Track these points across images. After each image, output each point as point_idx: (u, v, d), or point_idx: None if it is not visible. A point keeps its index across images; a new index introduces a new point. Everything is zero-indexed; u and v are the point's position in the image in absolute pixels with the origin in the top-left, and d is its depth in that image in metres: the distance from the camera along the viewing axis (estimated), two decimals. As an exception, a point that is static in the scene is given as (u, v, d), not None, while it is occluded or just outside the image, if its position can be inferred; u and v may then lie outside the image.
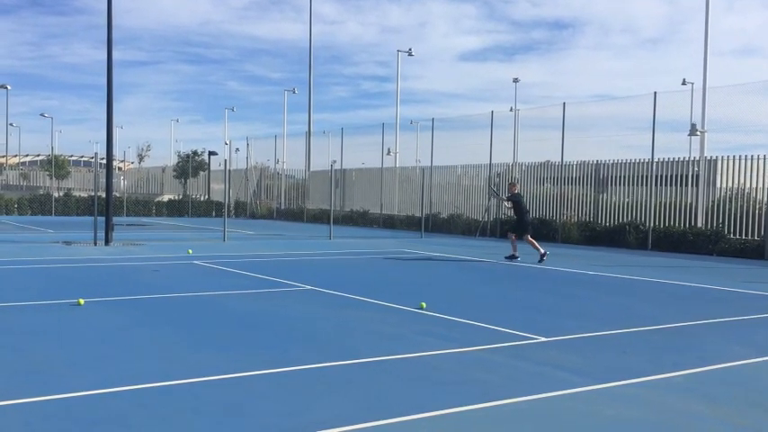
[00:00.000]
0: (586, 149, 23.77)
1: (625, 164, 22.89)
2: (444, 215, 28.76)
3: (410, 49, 42.67)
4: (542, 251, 15.87)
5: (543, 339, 7.23)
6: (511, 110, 31.26)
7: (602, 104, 24.54)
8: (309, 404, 4.90)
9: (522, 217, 16.61)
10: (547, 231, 23.96)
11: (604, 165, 23.59)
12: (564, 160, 24.13)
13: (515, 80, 58.65)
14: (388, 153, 34.61)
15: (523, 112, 28.05)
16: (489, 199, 26.70)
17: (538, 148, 26.17)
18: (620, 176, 23.01)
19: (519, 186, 18.29)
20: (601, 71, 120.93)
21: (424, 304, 9.02)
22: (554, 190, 24.77)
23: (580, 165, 24.20)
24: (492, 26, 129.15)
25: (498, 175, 26.85)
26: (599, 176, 23.76)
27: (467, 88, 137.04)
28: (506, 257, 16.20)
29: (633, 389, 5.47)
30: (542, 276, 13.58)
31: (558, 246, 21.89)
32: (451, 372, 5.88)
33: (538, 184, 25.94)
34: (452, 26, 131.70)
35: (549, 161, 25.70)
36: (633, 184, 22.47)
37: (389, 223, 30.98)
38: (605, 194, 23.43)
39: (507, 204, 17.08)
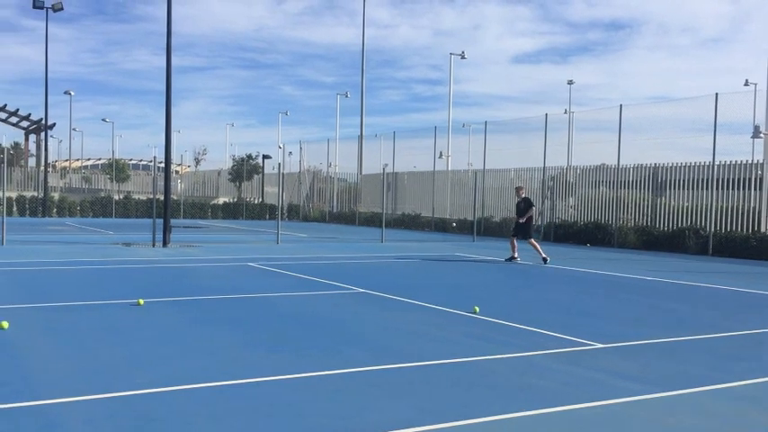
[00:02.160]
0: (643, 152, 23.31)
1: (684, 167, 22.33)
2: (497, 219, 28.53)
3: (463, 52, 42.54)
4: (515, 255, 16.44)
5: (600, 345, 7.10)
6: (565, 112, 30.84)
7: (660, 106, 23.97)
8: (363, 406, 4.91)
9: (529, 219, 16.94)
10: (602, 236, 23.57)
11: (662, 168, 23.06)
12: (620, 163, 23.67)
13: (570, 82, 57.92)
14: (441, 156, 34.54)
15: (578, 114, 27.67)
16: (543, 202, 26.39)
17: (593, 151, 25.78)
18: (679, 180, 22.46)
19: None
20: (659, 72, 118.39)
21: (477, 308, 8.96)
22: (610, 194, 24.32)
23: (637, 168, 23.72)
24: (546, 28, 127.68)
25: (552, 178, 26.51)
26: (657, 180, 23.23)
27: (520, 91, 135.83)
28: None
29: (694, 397, 5.32)
30: (599, 281, 13.35)
31: (615, 250, 21.50)
32: (506, 377, 5.82)
33: (593, 187, 25.52)
34: (506, 28, 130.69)
35: (604, 164, 25.26)
36: (693, 188, 21.90)
37: (441, 226, 30.90)
38: (663, 198, 22.89)
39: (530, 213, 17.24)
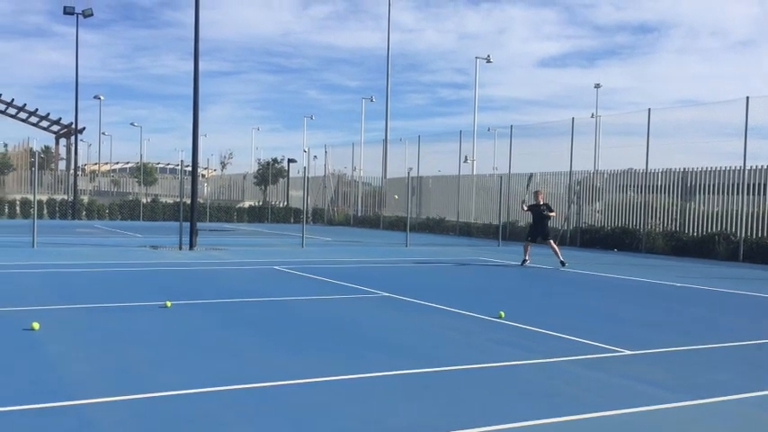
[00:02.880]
0: (672, 157, 23.00)
1: (714, 171, 22.01)
2: (522, 223, 28.36)
3: (488, 56, 42.41)
4: (526, 258, 16.64)
5: (628, 352, 7.02)
6: (592, 116, 30.54)
7: (689, 110, 23.68)
8: (389, 410, 4.90)
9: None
10: (630, 241, 23.33)
11: (692, 172, 22.76)
12: (648, 168, 23.42)
13: (597, 86, 57.47)
14: (466, 160, 34.44)
15: (605, 118, 27.37)
16: (569, 207, 26.19)
17: (620, 155, 25.48)
18: (708, 185, 22.15)
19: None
20: (688, 76, 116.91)
21: (502, 313, 8.91)
22: (638, 198, 24.07)
23: (665, 172, 23.44)
24: (573, 31, 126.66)
25: (579, 183, 26.30)
26: (686, 184, 22.94)
27: (546, 95, 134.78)
28: (561, 266, 16.24)
29: (725, 406, 5.24)
30: (627, 287, 13.20)
31: (643, 256, 21.27)
32: (533, 382, 5.78)
33: (620, 191, 25.27)
34: (532, 32, 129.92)
35: (631, 169, 24.99)
36: (723, 193, 21.57)
37: (466, 231, 30.80)
38: (693, 203, 22.59)
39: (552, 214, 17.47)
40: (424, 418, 4.76)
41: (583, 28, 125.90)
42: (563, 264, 15.98)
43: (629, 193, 24.86)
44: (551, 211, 17.26)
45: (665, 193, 23.44)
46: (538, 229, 16.87)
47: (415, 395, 5.30)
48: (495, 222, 27.32)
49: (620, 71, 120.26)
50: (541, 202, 17.06)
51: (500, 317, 8.79)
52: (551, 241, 16.68)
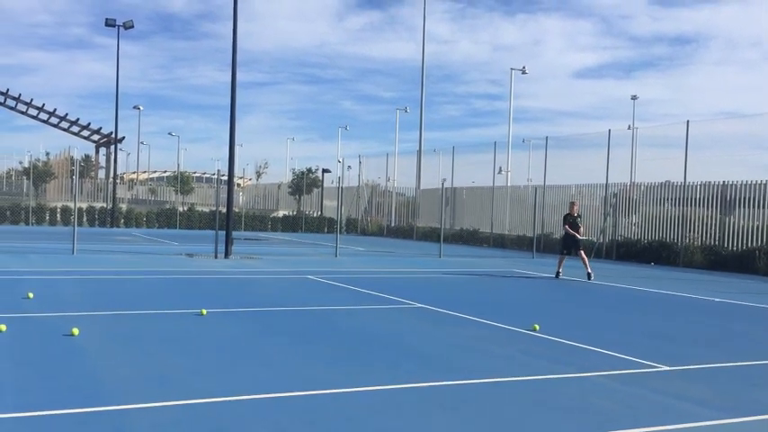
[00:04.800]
0: (711, 169, 22.63)
1: (755, 185, 21.58)
2: (557, 235, 28.10)
3: (524, 67, 42.28)
4: (560, 270, 16.65)
5: (666, 368, 6.91)
6: (629, 128, 30.23)
7: (729, 122, 23.30)
8: (422, 422, 4.89)
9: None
10: (667, 254, 22.98)
11: (732, 186, 22.35)
12: (687, 180, 23.07)
13: (634, 97, 56.88)
14: (500, 172, 34.29)
15: (642, 130, 27.06)
16: (605, 219, 25.90)
17: (658, 168, 25.14)
18: (749, 198, 21.72)
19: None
20: (727, 87, 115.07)
21: (537, 326, 8.83)
22: (675, 211, 23.70)
23: (704, 185, 23.05)
24: (609, 42, 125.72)
25: (615, 195, 26.00)
26: (725, 198, 22.52)
27: (582, 106, 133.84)
28: (588, 278, 16.10)
29: (765, 425, 5.12)
30: (664, 302, 13.00)
31: (680, 270, 20.92)
32: (568, 397, 5.72)
33: (657, 204, 24.92)
34: (567, 43, 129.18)
35: (669, 181, 24.64)
36: (764, 207, 21.14)
37: (500, 243, 30.63)
38: (732, 217, 22.16)
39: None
40: (457, 429, 4.74)
41: (619, 39, 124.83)
42: (589, 276, 15.83)
43: (666, 205, 24.49)
44: (580, 224, 17.11)
45: (703, 206, 23.04)
46: (570, 240, 16.71)
47: (450, 407, 5.28)
48: (530, 234, 27.12)
49: (657, 82, 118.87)
50: (575, 214, 16.93)
51: (534, 329, 8.72)
52: (582, 252, 16.55)
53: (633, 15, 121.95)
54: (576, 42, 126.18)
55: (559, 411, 5.29)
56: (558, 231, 28.19)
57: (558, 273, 16.55)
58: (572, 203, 17.52)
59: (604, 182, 26.05)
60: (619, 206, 25.95)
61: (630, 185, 25.94)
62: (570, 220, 16.82)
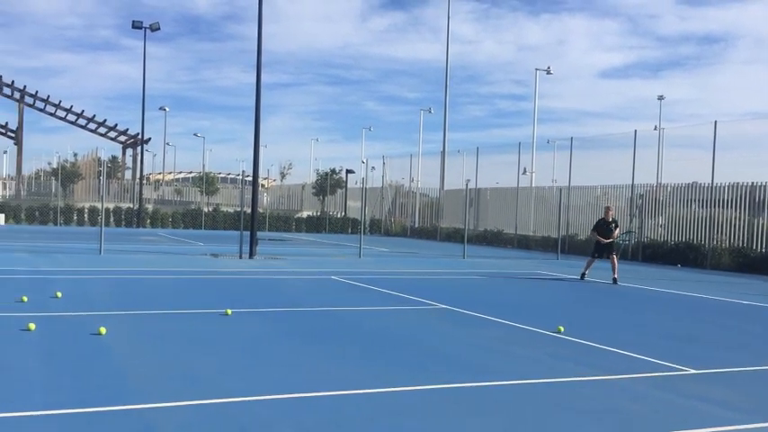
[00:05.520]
0: (739, 170, 22.31)
1: (784, 186, 21.24)
2: (582, 237, 27.91)
3: (549, 68, 42.05)
4: (586, 272, 16.51)
5: (692, 371, 6.83)
6: (655, 128, 29.91)
7: (757, 122, 22.93)
8: (447, 423, 4.89)
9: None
10: (694, 256, 22.71)
11: (761, 187, 22.02)
12: (714, 181, 22.77)
13: (660, 97, 56.20)
14: (524, 172, 34.10)
15: (669, 130, 26.75)
16: (631, 221, 25.66)
17: (685, 169, 24.86)
18: (778, 199, 21.38)
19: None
20: (755, 87, 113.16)
21: (561, 328, 8.78)
22: (702, 213, 23.41)
23: (732, 186, 22.74)
24: (636, 42, 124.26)
25: (641, 196, 25.75)
26: (754, 199, 22.19)
27: (607, 106, 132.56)
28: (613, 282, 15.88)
29: (796, 430, 5.05)
30: (690, 304, 12.85)
31: (708, 272, 20.66)
32: (593, 399, 5.68)
33: (684, 206, 24.63)
34: (593, 43, 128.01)
35: (696, 182, 24.35)
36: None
37: (524, 244, 30.48)
38: (761, 218, 21.83)
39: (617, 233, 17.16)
40: (482, 431, 4.73)
41: (646, 38, 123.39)
42: (615, 281, 15.61)
43: (693, 207, 24.21)
44: (617, 227, 16.97)
45: (731, 207, 22.73)
46: (604, 245, 16.48)
47: (476, 409, 5.27)
48: (554, 235, 26.95)
49: (683, 82, 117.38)
50: (610, 219, 16.63)
51: (559, 331, 8.67)
52: (614, 255, 16.31)
53: (660, 15, 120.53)
54: (602, 42, 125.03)
55: (584, 414, 5.26)
56: (582, 233, 28.00)
57: (583, 274, 16.41)
58: (607, 208, 17.20)
59: (630, 183, 25.81)
60: (645, 207, 25.70)
61: (657, 186, 25.67)
62: (603, 226, 16.55)
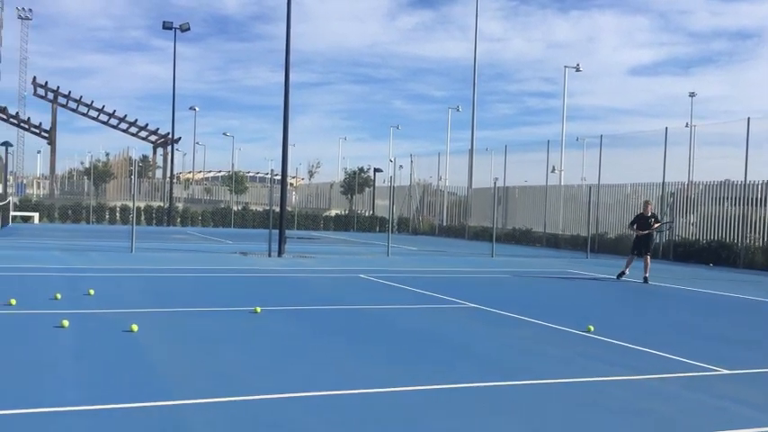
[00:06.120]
0: (774, 168, 21.89)
1: (820, 183, 20.81)
2: (612, 235, 27.63)
3: (578, 65, 41.69)
4: (626, 271, 16.14)
5: (725, 371, 6.73)
6: (686, 125, 29.45)
7: (792, 119, 22.47)
8: (476, 422, 4.89)
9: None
10: (727, 255, 22.35)
11: (795, 184, 21.59)
12: (747, 179, 22.38)
13: (692, 94, 55.52)
14: (553, 171, 33.84)
15: (700, 127, 26.35)
16: (664, 215, 25.33)
17: (717, 166, 24.49)
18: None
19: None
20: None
21: (591, 327, 8.71)
22: (735, 211, 23.02)
23: (766, 184, 22.31)
24: (667, 38, 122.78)
25: (672, 194, 25.40)
26: (789, 197, 21.76)
27: (637, 103, 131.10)
28: (643, 281, 15.59)
29: (832, 432, 4.95)
30: (722, 303, 12.66)
31: (741, 271, 20.32)
32: (623, 400, 5.63)
33: (716, 204, 24.24)
34: (623, 39, 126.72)
35: (728, 180, 23.96)
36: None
37: (553, 242, 30.26)
38: (796, 217, 21.41)
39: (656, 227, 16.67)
40: (511, 431, 4.72)
41: (677, 35, 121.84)
42: (645, 280, 15.39)
43: (725, 205, 23.82)
44: (657, 222, 16.58)
45: (765, 205, 22.32)
46: (643, 241, 16.14)
47: (504, 409, 5.26)
48: (584, 234, 26.71)
49: (716, 79, 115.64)
50: (649, 213, 16.26)
51: (589, 331, 8.61)
52: (648, 256, 15.92)
53: (692, 10, 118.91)
54: (632, 39, 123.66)
55: (614, 414, 5.22)
56: (612, 231, 27.72)
57: (622, 273, 16.00)
58: (646, 202, 16.81)
59: (661, 181, 25.48)
60: (676, 206, 25.35)
61: (688, 184, 25.31)
62: (642, 220, 16.17)
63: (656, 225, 16.35)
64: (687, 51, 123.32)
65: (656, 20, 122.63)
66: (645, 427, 4.89)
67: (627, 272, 16.08)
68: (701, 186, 25.00)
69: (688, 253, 23.74)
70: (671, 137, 25.23)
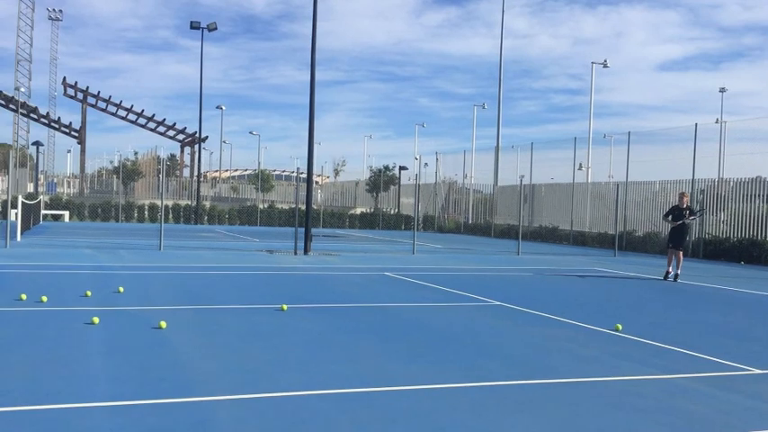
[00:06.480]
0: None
1: None
2: (640, 233, 27.33)
3: (605, 61, 41.31)
4: (670, 270, 15.62)
5: (757, 371, 6.62)
6: (717, 122, 29.06)
7: (826, 114, 22.03)
8: (501, 421, 4.86)
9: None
10: (758, 253, 22.00)
11: (829, 181, 21.18)
12: (779, 176, 21.99)
13: (722, 90, 54.69)
14: (580, 168, 33.57)
15: (731, 123, 25.98)
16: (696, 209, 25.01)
17: (748, 163, 24.09)
18: None
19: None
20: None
21: (619, 326, 8.62)
22: (767, 208, 22.63)
23: (799, 181, 21.93)
24: (697, 33, 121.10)
25: (702, 191, 25.05)
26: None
27: (666, 99, 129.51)
28: (672, 278, 15.29)
29: None
30: (754, 302, 12.45)
31: (772, 269, 19.97)
32: (652, 399, 5.56)
33: (748, 201, 23.87)
34: (652, 34, 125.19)
35: (760, 177, 23.57)
36: None
37: (580, 240, 30.00)
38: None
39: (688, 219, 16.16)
40: (537, 430, 4.68)
41: (707, 29, 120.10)
42: (676, 277, 15.16)
43: (757, 202, 23.44)
44: (693, 215, 16.24)
45: (798, 202, 21.94)
46: (678, 232, 15.79)
47: (530, 407, 5.22)
48: (611, 232, 26.46)
49: (747, 74, 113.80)
50: (684, 205, 15.92)
51: (617, 329, 8.52)
52: (681, 252, 15.60)
53: (723, 4, 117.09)
54: (661, 34, 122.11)
55: (645, 413, 5.15)
56: (640, 229, 27.41)
57: (667, 272, 15.57)
58: (681, 194, 16.41)
59: (690, 178, 25.14)
60: (706, 203, 25.00)
61: (718, 181, 24.95)
62: (677, 212, 15.83)
63: (690, 218, 15.96)
64: (717, 46, 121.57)
65: (685, 14, 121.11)
66: (676, 427, 4.82)
67: (671, 270, 15.57)
68: (731, 183, 24.63)
69: (718, 251, 23.41)
70: (700, 133, 24.91)
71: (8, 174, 19.25)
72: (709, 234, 24.47)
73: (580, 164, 33.57)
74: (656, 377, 6.29)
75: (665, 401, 5.50)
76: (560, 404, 5.34)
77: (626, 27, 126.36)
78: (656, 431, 4.72)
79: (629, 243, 26.85)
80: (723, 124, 26.42)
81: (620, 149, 30.75)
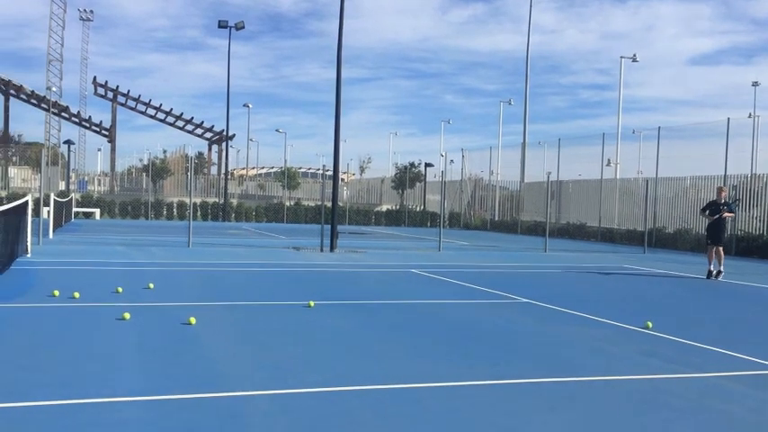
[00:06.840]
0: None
1: None
2: (670, 230, 26.97)
3: (635, 55, 40.82)
4: (711, 268, 15.13)
5: (792, 370, 6.49)
6: (749, 116, 28.50)
7: None
8: (529, 419, 4.82)
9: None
10: (792, 250, 21.58)
11: None
12: (814, 171, 21.55)
13: (755, 84, 53.70)
14: (608, 164, 33.22)
15: (765, 118, 25.48)
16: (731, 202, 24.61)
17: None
18: None
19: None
20: None
21: (650, 324, 8.51)
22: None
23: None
24: (729, 26, 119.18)
25: (734, 187, 24.64)
26: None
27: (697, 94, 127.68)
28: (715, 276, 14.92)
29: None
30: (788, 300, 12.21)
31: (807, 267, 19.58)
32: (684, 398, 5.47)
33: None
34: (683, 28, 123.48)
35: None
36: None
37: (608, 237, 29.69)
38: None
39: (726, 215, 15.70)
40: (566, 428, 4.64)
41: (740, 22, 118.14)
42: (718, 274, 14.88)
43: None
44: (731, 211, 15.76)
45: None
46: (715, 228, 15.34)
47: (559, 406, 5.17)
48: (641, 228, 26.14)
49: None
50: (722, 200, 15.53)
51: (647, 327, 8.41)
52: (721, 248, 15.15)
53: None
54: (693, 27, 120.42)
55: (675, 412, 5.08)
56: (671, 225, 27.05)
57: (709, 271, 15.13)
58: (719, 189, 16.12)
59: (722, 173, 24.73)
60: (739, 199, 24.58)
61: (751, 177, 24.51)
62: (714, 207, 15.45)
63: (727, 214, 15.47)
64: (750, 39, 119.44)
65: (717, 7, 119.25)
66: (710, 427, 4.75)
67: (712, 268, 15.13)
68: (764, 179, 24.19)
69: (751, 248, 23.03)
70: (733, 128, 24.51)
71: (41, 172, 19.55)
72: (741, 231, 24.06)
73: (608, 160, 33.23)
74: (690, 376, 6.19)
75: (699, 400, 5.41)
76: (592, 402, 5.28)
77: (656, 21, 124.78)
78: (690, 430, 4.64)
79: (658, 240, 26.51)
80: (756, 119, 25.94)
81: (649, 145, 30.38)
